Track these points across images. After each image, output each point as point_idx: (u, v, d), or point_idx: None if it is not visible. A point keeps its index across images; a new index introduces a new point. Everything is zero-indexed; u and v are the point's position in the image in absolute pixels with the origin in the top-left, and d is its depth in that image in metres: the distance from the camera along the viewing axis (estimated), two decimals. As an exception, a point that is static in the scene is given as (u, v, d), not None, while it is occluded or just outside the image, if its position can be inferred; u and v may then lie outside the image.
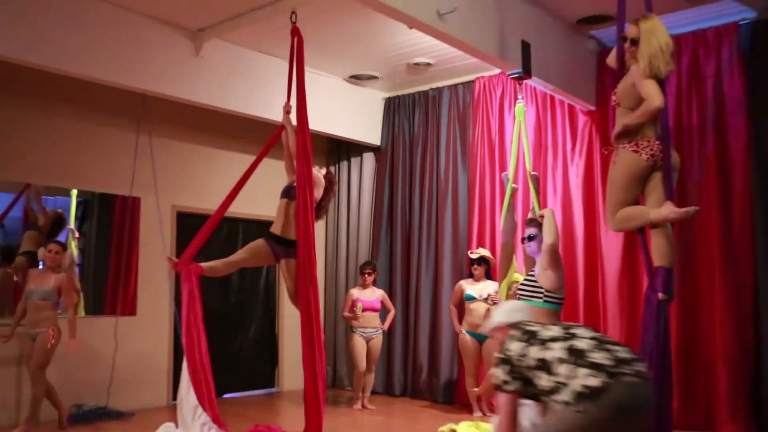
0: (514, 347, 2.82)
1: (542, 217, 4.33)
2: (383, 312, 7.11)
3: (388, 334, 7.53)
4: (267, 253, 5.15)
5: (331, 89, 7.66)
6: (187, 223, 7.31)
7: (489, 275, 6.72)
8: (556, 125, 6.90)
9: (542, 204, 6.41)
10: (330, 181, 5.50)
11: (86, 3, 5.57)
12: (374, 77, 7.74)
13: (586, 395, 2.54)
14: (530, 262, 4.78)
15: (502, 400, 2.81)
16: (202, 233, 5.03)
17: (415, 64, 7.24)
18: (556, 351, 2.71)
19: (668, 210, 3.89)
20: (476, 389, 6.45)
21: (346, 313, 7.05)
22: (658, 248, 4.02)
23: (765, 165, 5.72)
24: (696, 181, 5.86)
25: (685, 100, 6.11)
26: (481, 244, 7.11)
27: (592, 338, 2.75)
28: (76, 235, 6.62)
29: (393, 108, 8.26)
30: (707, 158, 5.95)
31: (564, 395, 2.59)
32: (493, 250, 6.91)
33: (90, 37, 5.59)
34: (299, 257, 4.88)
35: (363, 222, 8.40)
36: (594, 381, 2.56)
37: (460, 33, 5.05)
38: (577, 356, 2.65)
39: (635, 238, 5.35)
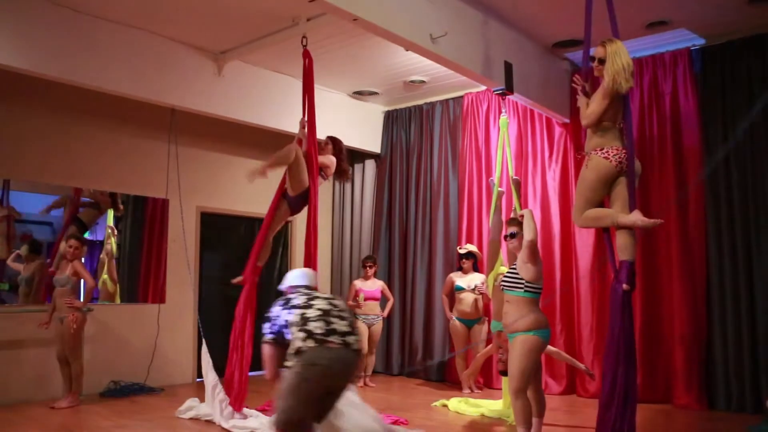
0: (274, 309, 3.30)
1: (522, 216, 4.38)
2: (383, 301, 7.19)
3: (388, 321, 7.61)
4: (284, 207, 5.32)
5: (337, 103, 7.75)
6: (210, 222, 7.45)
7: (476, 268, 6.78)
8: (535, 135, 7.00)
9: (524, 205, 6.52)
10: (336, 146, 5.59)
11: (125, 30, 5.76)
12: (375, 93, 7.84)
13: (295, 353, 3.09)
14: (513, 257, 4.86)
15: (265, 348, 3.28)
16: (257, 244, 5.32)
17: (411, 81, 7.33)
18: (293, 316, 3.20)
19: (637, 217, 3.94)
20: (466, 371, 6.55)
21: (350, 302, 7.08)
22: (623, 245, 4.05)
23: (715, 170, 5.87)
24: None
25: (647, 114, 6.22)
26: (469, 241, 7.19)
27: (320, 310, 3.23)
28: (115, 232, 6.74)
29: (391, 120, 8.35)
30: (666, 165, 6.10)
31: (291, 351, 3.13)
32: (480, 246, 7.01)
33: (127, 60, 5.77)
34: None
35: (365, 220, 8.46)
36: (300, 344, 3.09)
37: (450, 54, 5.15)
38: (302, 322, 3.15)
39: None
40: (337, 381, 3.14)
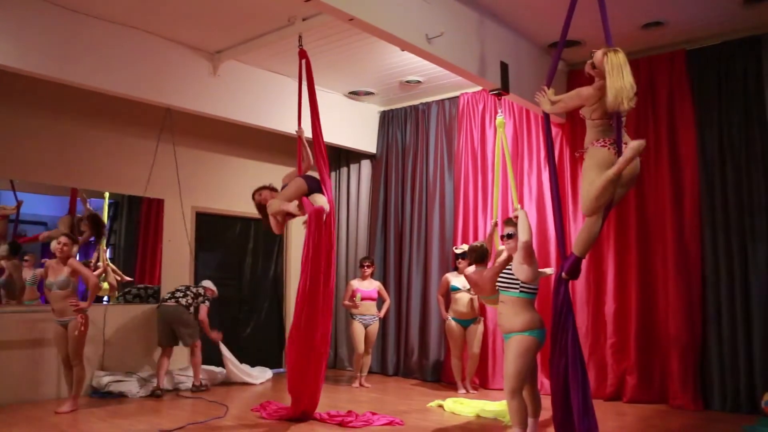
0: None
1: (516, 217, 4.38)
2: (379, 301, 7.18)
3: (383, 321, 7.58)
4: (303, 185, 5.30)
5: (333, 104, 7.73)
6: (205, 221, 7.43)
7: (472, 268, 6.78)
8: (531, 136, 7.00)
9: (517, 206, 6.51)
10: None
11: (121, 30, 5.74)
12: (371, 93, 7.83)
13: None
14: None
15: None
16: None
17: (407, 81, 7.33)
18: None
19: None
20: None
21: (347, 302, 7.06)
22: (579, 239, 4.04)
23: (710, 170, 5.90)
24: None
25: (642, 115, 6.22)
26: (464, 241, 7.17)
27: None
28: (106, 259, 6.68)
29: (387, 120, 8.34)
30: (661, 166, 6.10)
31: None
32: (475, 246, 7.02)
33: (123, 59, 5.74)
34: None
35: (361, 221, 8.46)
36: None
37: (446, 55, 5.13)
38: None
39: (602, 235, 5.48)
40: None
